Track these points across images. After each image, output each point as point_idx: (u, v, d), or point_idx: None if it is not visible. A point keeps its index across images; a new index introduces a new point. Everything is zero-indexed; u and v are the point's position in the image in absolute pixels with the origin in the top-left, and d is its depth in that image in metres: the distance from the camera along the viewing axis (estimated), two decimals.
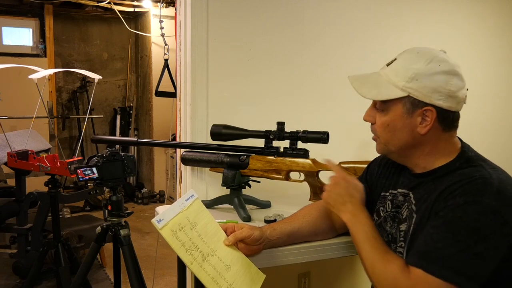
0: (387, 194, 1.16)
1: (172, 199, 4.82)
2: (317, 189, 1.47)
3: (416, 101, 0.98)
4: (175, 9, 1.80)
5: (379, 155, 1.27)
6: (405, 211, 1.05)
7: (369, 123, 1.09)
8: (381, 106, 1.03)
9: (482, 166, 0.97)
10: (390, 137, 1.03)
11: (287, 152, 1.49)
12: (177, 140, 1.81)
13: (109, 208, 1.61)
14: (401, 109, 1.00)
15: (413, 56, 1.01)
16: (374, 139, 1.09)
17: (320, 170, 1.46)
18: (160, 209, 1.54)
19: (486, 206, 0.88)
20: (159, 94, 2.55)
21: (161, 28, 2.95)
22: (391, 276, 0.94)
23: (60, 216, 2.34)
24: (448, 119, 1.00)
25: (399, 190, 1.11)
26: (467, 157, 1.01)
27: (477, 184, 0.91)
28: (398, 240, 1.04)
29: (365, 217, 1.07)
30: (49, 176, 2.06)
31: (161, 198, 5.38)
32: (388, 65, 1.05)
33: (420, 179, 1.05)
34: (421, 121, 0.99)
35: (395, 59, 1.04)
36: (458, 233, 0.88)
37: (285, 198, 1.67)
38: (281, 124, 1.48)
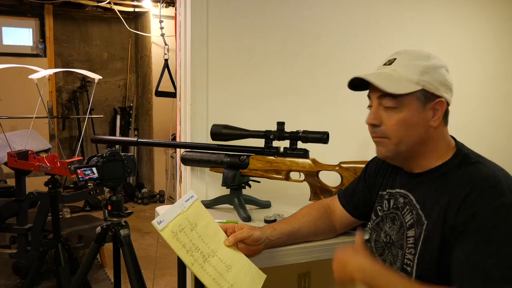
0: (384, 193, 1.15)
1: (172, 199, 4.82)
2: (317, 189, 1.47)
3: (428, 94, 0.99)
4: (175, 9, 1.80)
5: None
6: (409, 216, 1.03)
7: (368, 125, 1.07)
8: (394, 103, 1.00)
9: (482, 163, 0.97)
10: (405, 134, 1.00)
11: (287, 152, 1.49)
12: (177, 140, 1.81)
13: (109, 208, 1.61)
14: (415, 103, 0.99)
15: (412, 54, 1.03)
16: (378, 141, 1.05)
17: (320, 170, 1.46)
18: (160, 209, 1.54)
19: (509, 206, 0.87)
20: (159, 94, 2.55)
21: (161, 28, 2.95)
22: None
23: (60, 216, 2.33)
24: (447, 112, 1.04)
25: (397, 190, 1.11)
26: (464, 154, 1.01)
27: (488, 184, 0.91)
28: (406, 246, 1.02)
29: (377, 274, 0.97)
30: (49, 176, 2.06)
31: (161, 198, 5.38)
32: (388, 64, 1.04)
33: (418, 178, 1.05)
34: (432, 114, 1.01)
35: (395, 58, 1.03)
36: (505, 243, 0.85)
37: (285, 198, 1.68)
38: (281, 124, 1.48)
